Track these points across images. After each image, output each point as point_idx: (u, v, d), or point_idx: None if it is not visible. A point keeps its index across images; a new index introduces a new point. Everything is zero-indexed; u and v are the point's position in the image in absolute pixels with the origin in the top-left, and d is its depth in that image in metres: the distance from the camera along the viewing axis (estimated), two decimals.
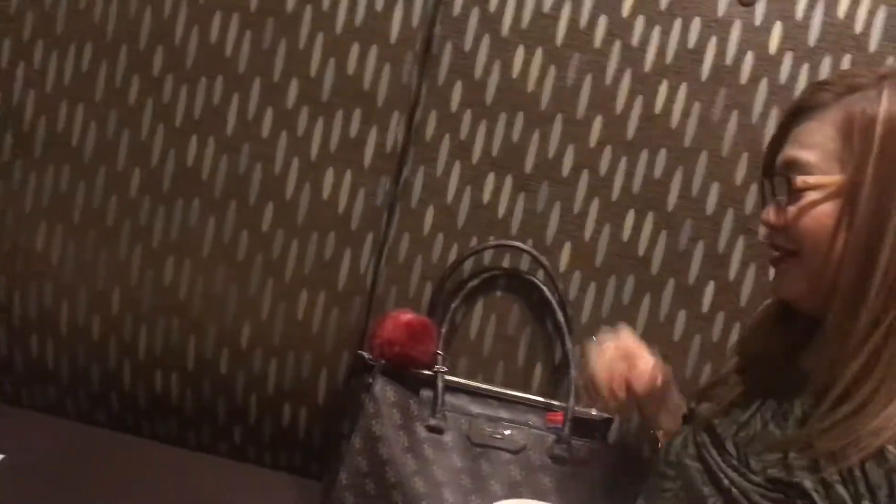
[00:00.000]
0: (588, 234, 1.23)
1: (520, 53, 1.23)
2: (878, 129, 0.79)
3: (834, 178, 0.81)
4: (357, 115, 1.27)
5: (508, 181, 1.25)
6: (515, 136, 1.24)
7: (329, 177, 1.28)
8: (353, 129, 1.27)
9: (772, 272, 0.90)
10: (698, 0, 1.20)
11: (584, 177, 1.23)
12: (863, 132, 0.80)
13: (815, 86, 0.86)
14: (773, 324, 0.93)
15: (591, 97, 1.22)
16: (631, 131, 1.22)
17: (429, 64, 1.26)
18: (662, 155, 1.22)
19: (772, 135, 0.91)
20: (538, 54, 1.23)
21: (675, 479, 0.90)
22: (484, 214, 1.25)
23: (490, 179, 1.25)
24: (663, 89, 1.21)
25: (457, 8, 1.25)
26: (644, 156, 1.22)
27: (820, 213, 0.81)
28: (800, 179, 0.82)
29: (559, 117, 1.23)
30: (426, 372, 1.21)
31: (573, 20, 1.22)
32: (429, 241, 1.26)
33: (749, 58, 1.20)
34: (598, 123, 1.22)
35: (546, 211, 1.24)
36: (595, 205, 1.23)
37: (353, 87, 1.27)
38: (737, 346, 1.02)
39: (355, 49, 1.26)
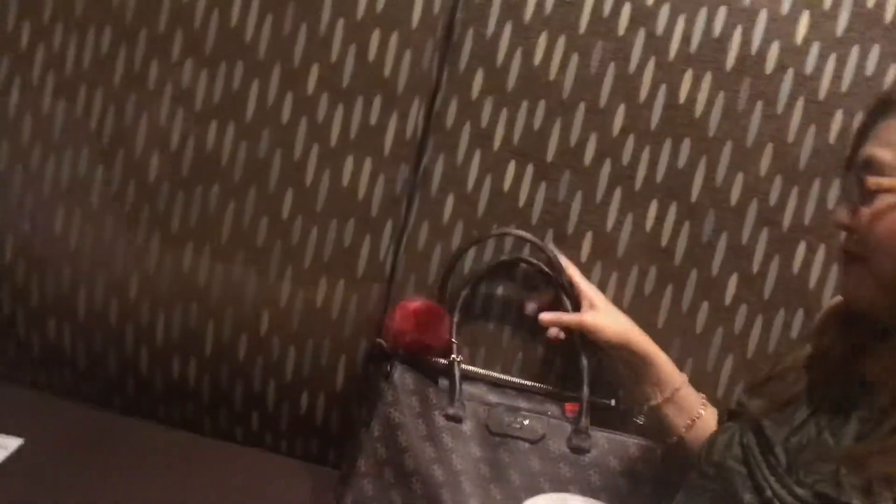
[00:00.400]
0: (610, 224, 1.22)
1: (542, 41, 1.22)
2: None
3: None
4: (377, 101, 1.26)
5: (529, 170, 1.24)
6: (537, 124, 1.23)
7: (349, 164, 1.27)
8: (374, 116, 1.26)
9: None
10: None
11: (607, 166, 1.22)
12: None
13: None
14: (838, 324, 0.89)
15: (614, 86, 1.21)
16: (654, 121, 1.21)
17: (450, 51, 1.25)
18: (686, 145, 1.20)
19: (857, 129, 0.86)
20: (561, 42, 1.22)
21: (716, 479, 0.86)
22: (504, 203, 1.25)
23: (511, 168, 1.24)
24: (687, 78, 1.20)
25: None
26: (667, 145, 1.21)
27: (894, 218, 0.77)
28: (872, 181, 0.78)
29: (581, 106, 1.22)
30: (442, 361, 1.20)
31: (596, 8, 1.21)
32: (448, 229, 1.26)
33: (775, 47, 1.18)
34: (620, 112, 1.21)
35: (567, 200, 1.23)
36: (617, 195, 1.22)
37: (373, 74, 1.26)
38: (803, 341, 0.97)
39: (376, 35, 1.25)
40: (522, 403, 1.20)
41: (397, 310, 1.20)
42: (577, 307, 1.18)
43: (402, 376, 1.16)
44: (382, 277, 1.27)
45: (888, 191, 0.78)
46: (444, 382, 1.20)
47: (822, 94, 1.18)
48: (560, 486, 1.13)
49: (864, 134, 0.84)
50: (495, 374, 1.23)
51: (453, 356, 1.20)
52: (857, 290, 0.82)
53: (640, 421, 1.15)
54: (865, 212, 0.79)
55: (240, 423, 1.34)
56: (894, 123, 0.80)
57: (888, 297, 0.78)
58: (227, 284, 1.30)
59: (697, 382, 1.17)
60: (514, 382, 1.23)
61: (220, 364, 1.31)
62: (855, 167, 0.83)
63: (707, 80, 1.19)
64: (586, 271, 1.22)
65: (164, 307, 1.31)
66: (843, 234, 0.85)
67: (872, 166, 0.80)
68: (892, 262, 0.77)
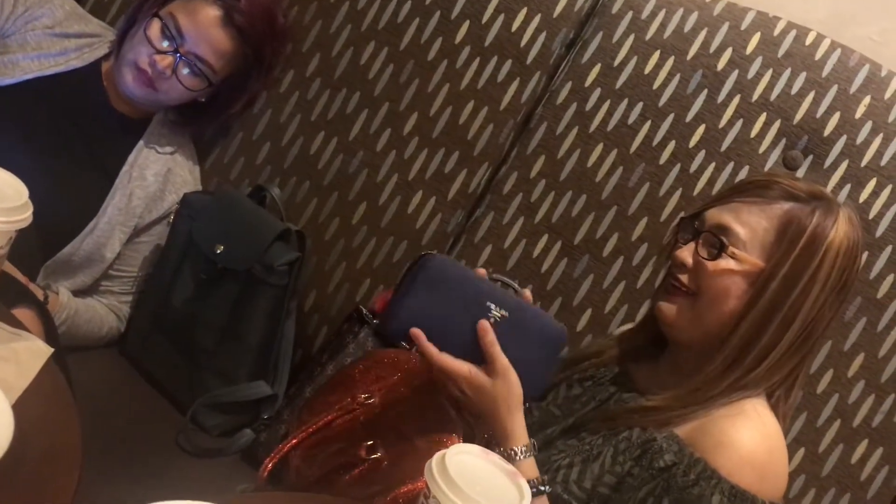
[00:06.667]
0: (608, 307, 1.48)
1: (598, 150, 1.49)
2: (803, 241, 1.01)
3: (756, 262, 1.02)
4: (455, 156, 1.54)
5: (557, 245, 1.50)
6: (574, 212, 1.50)
7: (417, 197, 1.55)
8: (448, 166, 1.54)
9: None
10: (748, 151, 1.46)
11: (619, 262, 1.48)
12: (793, 238, 1.01)
13: (770, 177, 1.07)
14: (637, 333, 1.18)
15: (644, 201, 1.47)
16: (668, 238, 1.47)
17: (524, 135, 1.53)
18: None
19: (717, 193, 1.11)
20: (612, 154, 1.49)
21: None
22: (530, 266, 1.51)
23: (543, 240, 1.51)
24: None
25: (560, 98, 1.52)
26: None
27: (730, 280, 1.03)
28: (731, 249, 1.03)
29: (614, 208, 1.49)
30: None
31: (648, 137, 1.48)
32: None
33: None
34: (643, 223, 1.47)
35: (580, 279, 1.49)
36: (621, 287, 1.48)
37: (459, 133, 1.54)
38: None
39: (470, 105, 1.54)
40: None
41: (381, 294, 1.46)
42: None
43: (366, 337, 1.41)
44: None
45: (736, 259, 1.03)
46: None
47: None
48: None
49: (720, 200, 1.08)
50: None
51: None
52: (678, 319, 1.07)
53: None
54: (710, 264, 1.04)
55: None
56: (755, 209, 1.04)
57: (697, 329, 1.05)
58: None
59: None
60: None
61: None
62: (707, 225, 1.06)
63: None
64: (578, 337, 1.47)
65: None
66: (675, 267, 1.08)
67: (727, 233, 1.04)
68: (713, 307, 1.04)
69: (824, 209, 1.03)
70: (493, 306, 1.01)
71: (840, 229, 1.03)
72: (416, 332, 1.01)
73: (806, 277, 1.01)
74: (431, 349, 1.01)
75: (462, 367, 1.01)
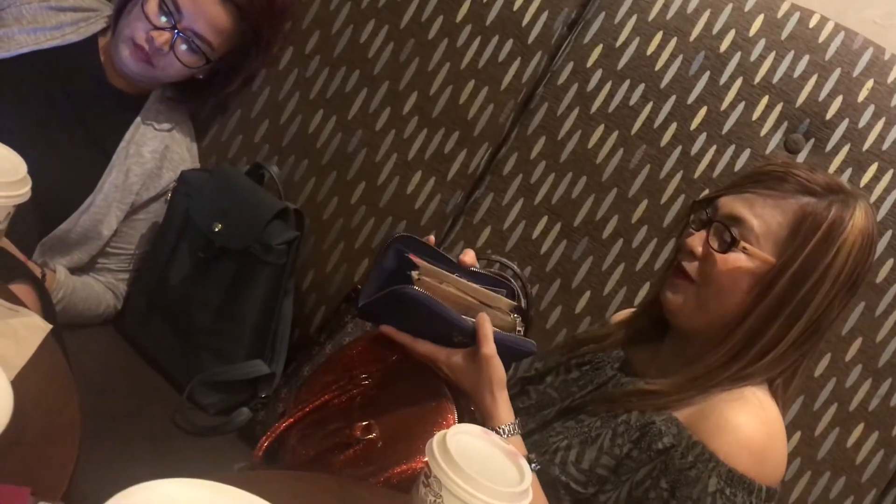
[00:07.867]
0: (607, 289, 1.48)
1: (599, 130, 1.49)
2: (817, 238, 0.99)
3: (767, 258, 1.00)
4: (455, 136, 1.53)
5: (557, 227, 1.50)
6: (574, 193, 1.49)
7: (417, 177, 1.54)
8: (448, 146, 1.53)
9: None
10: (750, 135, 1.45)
11: (619, 244, 1.48)
12: (807, 234, 0.99)
13: (787, 169, 1.03)
14: (639, 317, 1.17)
15: (644, 183, 1.47)
16: (667, 220, 1.46)
17: (524, 115, 1.52)
18: None
19: (731, 181, 1.08)
20: (613, 136, 1.48)
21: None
22: (529, 247, 1.50)
23: (543, 221, 1.50)
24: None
25: (561, 78, 1.51)
26: (672, 244, 1.46)
27: (738, 273, 1.01)
28: (742, 244, 1.01)
29: (614, 191, 1.48)
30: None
31: (649, 119, 1.47)
32: (479, 253, 1.51)
33: None
34: (643, 205, 1.47)
35: (579, 261, 1.49)
36: (620, 269, 1.47)
37: (459, 114, 1.53)
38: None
39: (471, 84, 1.53)
40: None
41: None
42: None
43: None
44: None
45: (746, 252, 1.01)
46: None
47: None
48: None
49: (735, 188, 1.06)
50: None
51: None
52: (682, 307, 1.05)
53: None
54: (719, 256, 1.01)
55: None
56: (770, 202, 1.02)
57: (701, 321, 1.04)
58: None
59: None
60: None
61: None
62: (718, 214, 1.04)
63: None
64: (577, 319, 1.47)
65: None
66: (683, 253, 1.06)
67: (739, 224, 1.01)
68: (720, 301, 1.02)
69: (841, 204, 1.01)
70: (458, 338, 1.04)
71: (856, 225, 1.00)
72: (387, 329, 1.07)
73: (817, 274, 0.99)
74: (406, 338, 1.06)
75: (439, 352, 1.05)
